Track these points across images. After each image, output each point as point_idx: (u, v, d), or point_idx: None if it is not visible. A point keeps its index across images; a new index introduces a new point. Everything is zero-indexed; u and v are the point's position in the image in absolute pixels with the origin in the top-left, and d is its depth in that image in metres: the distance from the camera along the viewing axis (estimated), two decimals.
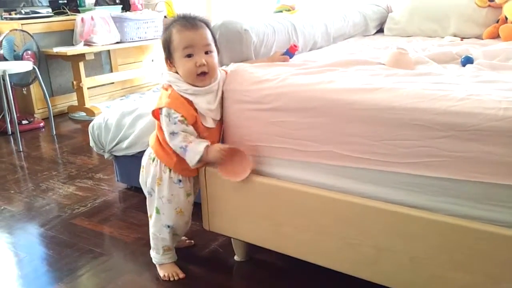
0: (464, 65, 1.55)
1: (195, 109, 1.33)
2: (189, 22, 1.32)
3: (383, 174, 1.17)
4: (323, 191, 1.26)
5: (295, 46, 1.63)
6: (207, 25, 1.37)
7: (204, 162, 1.34)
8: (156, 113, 1.37)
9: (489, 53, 1.66)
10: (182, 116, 1.30)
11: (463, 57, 1.59)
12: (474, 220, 1.07)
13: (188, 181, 1.45)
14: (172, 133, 1.31)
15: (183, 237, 1.68)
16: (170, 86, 1.35)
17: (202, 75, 1.33)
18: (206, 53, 1.33)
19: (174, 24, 1.34)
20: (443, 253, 1.10)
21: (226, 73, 1.44)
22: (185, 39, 1.31)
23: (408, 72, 1.38)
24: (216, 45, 1.39)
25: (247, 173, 1.35)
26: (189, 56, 1.31)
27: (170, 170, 1.41)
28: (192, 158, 1.31)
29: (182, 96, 1.33)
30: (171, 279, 1.50)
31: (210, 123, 1.37)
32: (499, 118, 1.01)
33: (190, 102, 1.33)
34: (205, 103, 1.35)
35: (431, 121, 1.07)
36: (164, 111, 1.32)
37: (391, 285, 1.22)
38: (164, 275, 1.51)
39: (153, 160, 1.44)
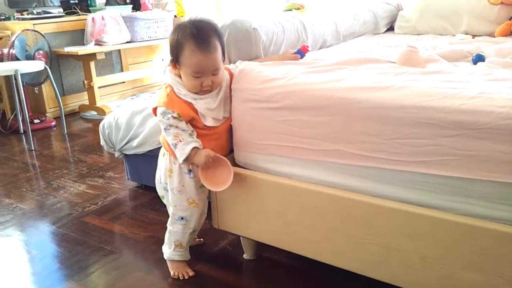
0: (475, 63, 1.53)
1: (195, 110, 1.35)
2: (203, 43, 1.29)
3: (393, 173, 1.16)
4: (332, 190, 1.26)
5: (307, 46, 1.63)
6: (219, 38, 1.35)
7: (191, 161, 1.36)
8: (154, 111, 1.40)
9: (501, 51, 1.64)
10: (177, 113, 1.33)
11: (474, 55, 1.58)
12: (485, 219, 1.06)
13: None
14: (165, 129, 1.35)
15: None
16: (171, 86, 1.37)
17: (205, 90, 1.36)
18: (214, 74, 1.34)
19: (187, 35, 1.30)
20: (454, 253, 1.09)
21: (230, 72, 1.45)
22: (196, 64, 1.30)
23: (418, 71, 1.36)
24: (223, 54, 1.38)
25: (227, 185, 1.34)
26: (197, 77, 1.33)
27: None
28: (179, 157, 1.34)
29: (180, 98, 1.35)
30: (181, 277, 1.51)
31: (210, 122, 1.38)
32: (511, 116, 0.99)
33: (189, 104, 1.35)
34: (204, 103, 1.37)
35: (442, 120, 1.06)
36: (160, 110, 1.36)
37: (401, 284, 1.21)
38: (174, 273, 1.52)
39: (164, 155, 1.47)
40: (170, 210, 1.50)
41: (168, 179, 1.45)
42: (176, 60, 1.35)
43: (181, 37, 1.31)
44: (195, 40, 1.30)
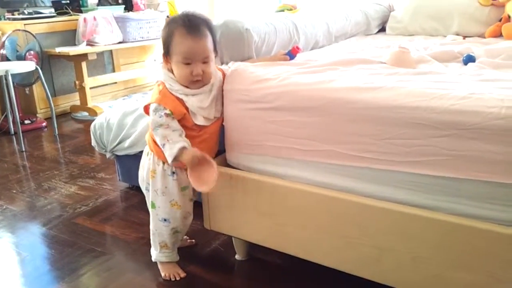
0: (466, 64, 1.54)
1: (186, 107, 1.35)
2: (193, 29, 1.31)
3: (384, 173, 1.17)
4: (324, 190, 1.26)
5: (298, 48, 1.63)
6: (210, 29, 1.36)
7: (180, 160, 1.33)
8: (146, 109, 1.39)
9: (492, 52, 1.65)
10: (169, 110, 1.32)
11: (465, 55, 1.59)
12: (476, 219, 1.06)
13: (184, 173, 1.43)
14: (154, 129, 1.33)
15: (185, 236, 1.67)
16: (163, 83, 1.37)
17: (196, 81, 1.35)
18: (204, 62, 1.34)
19: (178, 24, 1.33)
20: (444, 252, 1.10)
21: (223, 72, 1.45)
22: (186, 49, 1.31)
23: (410, 71, 1.37)
24: (215, 49, 1.39)
25: (210, 185, 1.31)
26: (187, 63, 1.33)
27: (163, 163, 1.41)
28: (168, 157, 1.32)
29: (173, 94, 1.35)
30: (172, 279, 1.50)
31: (201, 121, 1.37)
32: (501, 116, 1.00)
33: (181, 100, 1.35)
34: (196, 101, 1.36)
35: (433, 120, 1.07)
36: (152, 106, 1.34)
37: (393, 284, 1.21)
38: (165, 275, 1.51)
39: (148, 154, 1.46)
40: (150, 211, 1.49)
41: (151, 180, 1.44)
42: (167, 52, 1.36)
43: (172, 27, 1.33)
44: (185, 27, 1.32)
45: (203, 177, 1.33)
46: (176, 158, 1.31)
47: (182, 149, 1.30)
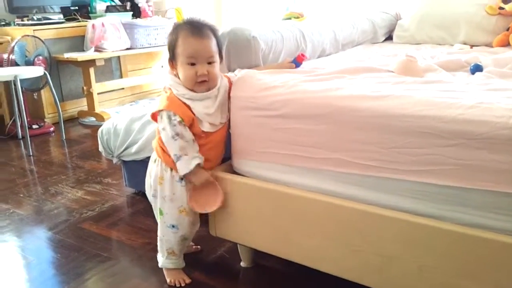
0: (473, 73, 1.54)
1: (193, 113, 1.36)
2: (196, 30, 1.35)
3: (390, 182, 1.16)
4: (329, 198, 1.26)
5: (303, 55, 1.63)
6: (214, 32, 1.39)
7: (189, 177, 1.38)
8: (155, 116, 1.39)
9: (499, 61, 1.65)
10: (180, 117, 1.33)
11: (472, 65, 1.59)
12: (482, 228, 1.06)
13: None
14: (173, 137, 1.33)
15: (190, 243, 1.67)
16: (170, 89, 1.38)
17: (201, 83, 1.36)
18: (209, 63, 1.36)
19: (182, 28, 1.36)
20: (450, 261, 1.09)
21: (229, 79, 1.46)
22: (190, 48, 1.34)
23: (417, 80, 1.37)
24: (220, 54, 1.42)
25: (211, 209, 1.42)
26: (192, 64, 1.34)
27: (171, 169, 1.41)
28: (181, 171, 1.35)
29: (179, 99, 1.36)
30: (177, 285, 1.50)
31: (207, 127, 1.38)
32: (508, 126, 1.00)
33: (188, 106, 1.36)
34: (202, 107, 1.37)
35: (440, 129, 1.07)
36: (164, 113, 1.35)
37: None
38: (171, 281, 1.51)
39: (155, 161, 1.46)
40: (158, 218, 1.49)
41: (158, 186, 1.44)
42: (172, 56, 1.39)
43: (176, 32, 1.37)
44: (189, 29, 1.35)
45: (206, 199, 1.41)
46: (189, 174, 1.35)
47: (198, 166, 1.34)
